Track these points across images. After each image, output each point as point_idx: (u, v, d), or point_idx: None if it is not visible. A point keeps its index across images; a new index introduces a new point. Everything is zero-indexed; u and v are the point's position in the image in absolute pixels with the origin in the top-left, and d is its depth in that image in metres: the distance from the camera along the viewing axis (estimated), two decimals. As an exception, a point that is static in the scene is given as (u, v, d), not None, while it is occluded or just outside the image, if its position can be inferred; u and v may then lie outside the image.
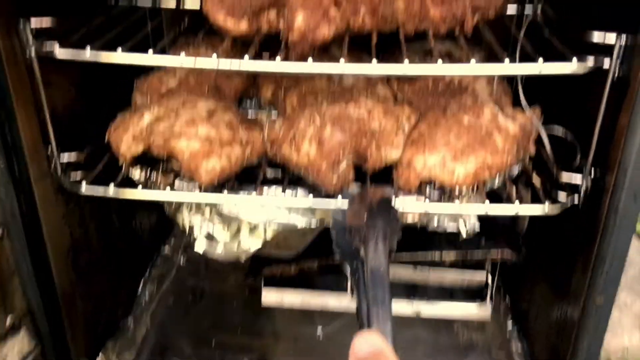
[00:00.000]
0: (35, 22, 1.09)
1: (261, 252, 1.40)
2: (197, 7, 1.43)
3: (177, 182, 1.27)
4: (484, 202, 1.24)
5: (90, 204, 1.38)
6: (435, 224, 1.46)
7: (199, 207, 1.39)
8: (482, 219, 1.37)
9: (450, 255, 1.43)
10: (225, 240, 1.38)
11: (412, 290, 1.58)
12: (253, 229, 1.35)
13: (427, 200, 1.22)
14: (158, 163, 1.28)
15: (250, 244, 1.37)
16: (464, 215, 1.37)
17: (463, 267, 1.49)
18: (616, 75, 1.07)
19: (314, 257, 1.45)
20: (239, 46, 1.25)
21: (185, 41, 1.51)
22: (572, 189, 1.20)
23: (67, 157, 1.23)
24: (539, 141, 1.28)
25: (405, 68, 1.08)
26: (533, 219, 1.46)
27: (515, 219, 1.53)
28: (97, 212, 1.45)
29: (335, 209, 1.20)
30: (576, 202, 1.19)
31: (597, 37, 1.07)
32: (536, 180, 1.26)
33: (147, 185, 1.28)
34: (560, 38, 1.18)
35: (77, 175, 1.25)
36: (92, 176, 1.26)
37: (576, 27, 1.13)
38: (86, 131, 1.31)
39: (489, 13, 1.24)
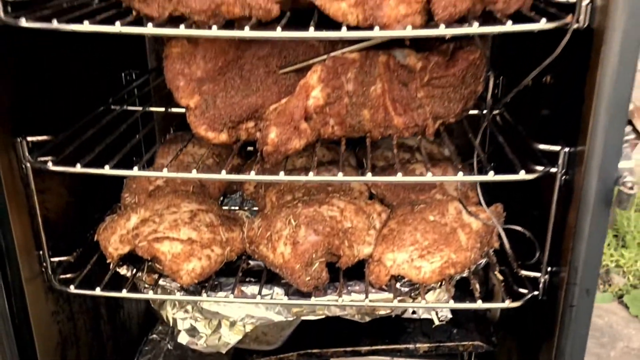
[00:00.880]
0: (31, 139, 1.19)
1: (242, 344, 1.45)
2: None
3: (161, 280, 1.34)
4: (451, 294, 1.31)
5: (79, 299, 1.45)
6: (410, 313, 1.53)
7: (181, 304, 1.46)
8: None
9: (424, 347, 1.48)
10: (206, 334, 1.45)
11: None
12: (233, 323, 1.42)
13: (396, 299, 1.28)
14: (143, 262, 1.35)
15: (231, 338, 1.43)
16: (435, 306, 1.44)
17: (437, 356, 1.54)
18: (563, 179, 1.17)
19: (293, 350, 1.50)
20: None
21: (175, 140, 1.63)
22: (531, 283, 1.27)
23: (57, 260, 1.30)
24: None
25: (369, 178, 1.18)
26: (503, 307, 1.53)
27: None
28: (86, 307, 1.51)
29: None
30: (536, 294, 1.27)
31: (544, 147, 1.17)
32: (499, 274, 1.34)
33: (132, 281, 1.35)
34: (512, 145, 1.28)
35: (67, 276, 1.32)
36: (82, 276, 1.33)
37: (527, 137, 1.24)
38: (76, 232, 1.40)
39: (448, 120, 1.36)
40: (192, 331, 1.46)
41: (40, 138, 1.20)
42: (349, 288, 1.34)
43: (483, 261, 1.39)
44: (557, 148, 1.15)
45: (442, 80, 1.29)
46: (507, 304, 1.24)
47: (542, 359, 1.31)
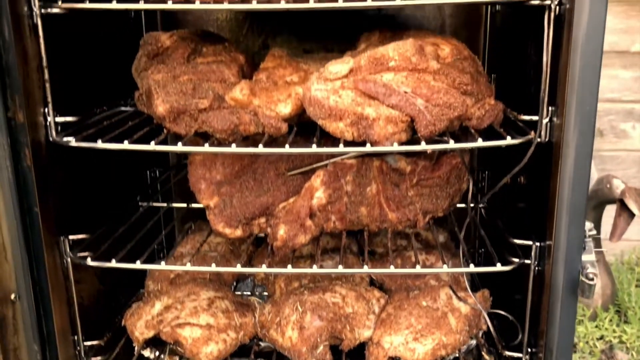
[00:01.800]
0: (72, 238, 1.37)
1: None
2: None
3: (181, 362, 1.49)
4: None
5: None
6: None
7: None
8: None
9: None
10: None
11: None
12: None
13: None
14: (166, 345, 1.50)
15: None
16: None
17: None
18: (536, 270, 1.33)
19: None
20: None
21: (195, 231, 1.82)
22: (516, 363, 1.41)
23: (90, 344, 1.46)
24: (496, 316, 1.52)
25: (365, 270, 1.35)
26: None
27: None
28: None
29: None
30: (521, 375, 1.40)
31: (519, 242, 1.34)
32: (486, 355, 1.47)
33: (156, 362, 1.50)
34: (493, 237, 1.46)
35: (97, 358, 1.47)
36: (111, 358, 1.48)
37: (504, 231, 1.41)
38: (106, 318, 1.56)
39: (437, 214, 1.53)
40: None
41: (79, 236, 1.39)
42: (351, 369, 1.48)
43: (473, 342, 1.53)
44: (529, 242, 1.32)
45: (430, 181, 1.48)
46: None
47: None
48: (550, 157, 1.24)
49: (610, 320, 3.12)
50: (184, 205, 1.74)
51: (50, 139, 1.30)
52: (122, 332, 1.55)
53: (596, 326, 2.55)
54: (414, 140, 1.30)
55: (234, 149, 1.27)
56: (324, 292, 1.51)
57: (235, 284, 1.84)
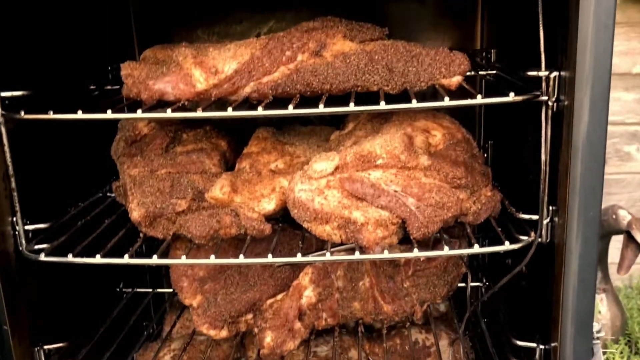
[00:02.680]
0: (48, 348, 1.29)
1: None
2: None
3: None
4: None
5: None
6: None
7: None
8: None
9: None
10: None
11: None
12: None
13: None
14: None
15: None
16: None
17: None
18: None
19: None
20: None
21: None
22: None
23: None
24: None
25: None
26: None
27: None
28: None
29: None
30: None
31: (522, 344, 1.26)
32: None
33: None
34: (493, 331, 1.37)
35: None
36: None
37: (505, 328, 1.32)
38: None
39: (435, 301, 1.45)
40: None
41: (56, 345, 1.31)
42: None
43: None
44: (533, 345, 1.23)
45: (426, 271, 1.40)
46: None
47: None
48: (553, 259, 1.16)
49: (621, 353, 3.02)
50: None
51: (20, 249, 1.22)
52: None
53: (607, 359, 2.46)
54: (406, 238, 1.22)
55: (213, 260, 1.19)
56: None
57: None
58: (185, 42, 1.32)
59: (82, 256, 1.19)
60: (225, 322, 1.38)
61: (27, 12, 1.28)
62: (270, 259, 1.18)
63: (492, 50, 1.67)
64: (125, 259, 1.17)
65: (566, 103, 1.07)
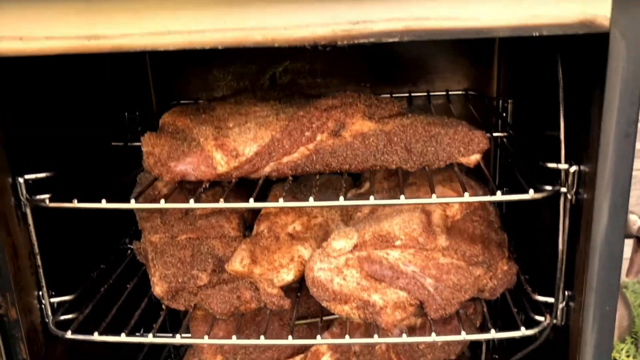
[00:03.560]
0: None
1: None
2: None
3: None
4: None
5: None
6: None
7: None
8: None
9: None
10: None
11: None
12: None
13: None
14: None
15: None
16: None
17: None
18: None
19: None
20: None
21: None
22: None
23: None
24: None
25: None
26: None
27: None
28: None
29: None
30: None
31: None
32: None
33: None
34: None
35: None
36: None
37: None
38: None
39: (450, 357, 1.48)
40: None
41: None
42: None
43: None
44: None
45: (441, 334, 1.42)
46: None
47: None
48: (567, 340, 1.18)
49: (627, 352, 3.07)
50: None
51: (47, 321, 1.26)
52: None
53: (613, 359, 2.51)
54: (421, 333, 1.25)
55: (234, 341, 1.22)
56: None
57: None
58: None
59: (107, 334, 1.23)
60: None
61: (37, 82, 1.30)
62: (290, 340, 1.21)
63: (509, 101, 1.66)
64: (150, 338, 1.21)
65: (585, 196, 1.08)
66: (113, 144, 1.55)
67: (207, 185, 1.25)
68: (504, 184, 1.76)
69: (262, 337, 1.20)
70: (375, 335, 1.20)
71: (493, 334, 1.19)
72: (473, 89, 1.84)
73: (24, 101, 1.22)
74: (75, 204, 1.16)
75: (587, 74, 1.06)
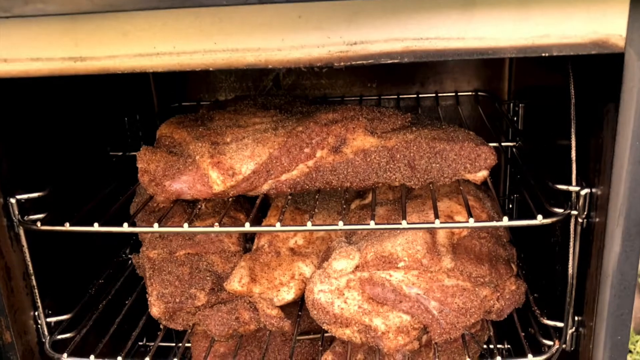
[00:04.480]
0: None
1: None
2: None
3: None
4: None
5: None
6: None
7: None
8: None
9: None
10: None
11: None
12: None
13: None
14: None
15: None
16: None
17: None
18: None
19: None
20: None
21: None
22: None
23: None
24: None
25: None
26: None
27: None
28: None
29: None
30: None
31: None
32: None
33: None
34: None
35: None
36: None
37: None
38: None
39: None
40: None
41: None
42: None
43: None
44: None
45: (447, 350, 1.38)
46: None
47: None
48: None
49: None
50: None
51: (43, 342, 1.24)
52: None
53: (629, 351, 2.47)
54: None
55: (233, 365, 1.19)
56: None
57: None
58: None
59: (104, 357, 1.20)
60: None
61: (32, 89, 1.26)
62: (290, 365, 1.17)
63: (521, 105, 1.60)
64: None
65: (597, 220, 1.03)
66: (111, 153, 1.51)
67: (203, 205, 1.21)
68: (514, 191, 1.71)
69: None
70: (377, 360, 1.16)
71: (499, 361, 1.14)
72: (483, 89, 1.77)
73: (16, 114, 1.19)
74: (68, 227, 1.12)
75: (600, 91, 1.00)
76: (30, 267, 1.20)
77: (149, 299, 1.26)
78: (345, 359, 1.34)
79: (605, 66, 0.95)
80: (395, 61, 0.91)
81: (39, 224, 1.13)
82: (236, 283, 1.25)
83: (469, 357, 1.23)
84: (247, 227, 1.10)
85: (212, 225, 1.40)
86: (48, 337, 1.24)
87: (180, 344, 1.29)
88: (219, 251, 1.36)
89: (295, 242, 1.39)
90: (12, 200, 1.15)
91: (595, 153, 1.02)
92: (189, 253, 1.35)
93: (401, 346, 1.16)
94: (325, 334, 1.35)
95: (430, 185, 1.19)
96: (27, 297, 1.22)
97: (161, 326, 1.30)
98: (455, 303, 1.15)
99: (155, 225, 1.12)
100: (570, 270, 1.09)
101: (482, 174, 1.18)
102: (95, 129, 1.49)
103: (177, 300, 1.25)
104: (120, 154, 1.51)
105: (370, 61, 0.92)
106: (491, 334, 1.22)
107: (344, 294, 1.18)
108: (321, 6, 0.89)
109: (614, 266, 0.99)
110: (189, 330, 1.29)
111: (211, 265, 1.33)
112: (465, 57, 0.90)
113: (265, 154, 1.18)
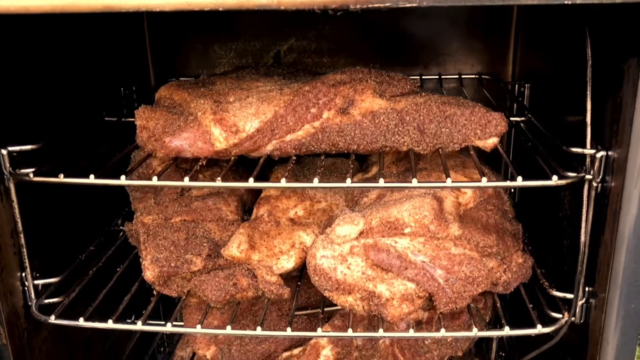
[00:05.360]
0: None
1: None
2: None
3: None
4: None
5: None
6: None
7: None
8: None
9: None
10: None
11: None
12: None
13: None
14: None
15: None
16: None
17: None
18: None
19: None
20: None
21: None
22: None
23: None
24: None
25: None
26: None
27: None
28: None
29: None
30: None
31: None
32: None
33: None
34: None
35: None
36: None
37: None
38: None
39: (457, 354, 1.40)
40: None
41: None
42: None
43: None
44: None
45: (449, 329, 1.34)
46: None
47: None
48: (586, 339, 1.10)
49: None
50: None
51: (30, 305, 1.18)
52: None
53: None
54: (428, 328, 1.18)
55: (229, 331, 1.15)
56: None
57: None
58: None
59: (93, 320, 1.15)
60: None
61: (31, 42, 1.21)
62: (289, 332, 1.12)
63: (526, 85, 1.57)
64: (139, 326, 1.13)
65: (613, 184, 1.00)
66: (106, 119, 1.46)
67: (204, 163, 1.17)
68: (520, 172, 1.68)
69: (259, 328, 1.12)
70: (381, 330, 1.12)
71: (507, 331, 1.11)
72: (487, 72, 1.75)
73: (10, 66, 1.14)
74: (62, 179, 1.07)
75: (619, 49, 0.97)
76: (20, 225, 1.14)
77: (143, 263, 1.21)
78: (344, 331, 1.29)
79: (625, 20, 0.92)
80: (414, 4, 0.87)
81: (31, 175, 1.08)
82: (234, 249, 1.21)
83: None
84: (251, 183, 1.06)
85: (209, 195, 1.37)
86: (35, 300, 1.18)
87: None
88: (216, 219, 1.31)
89: (296, 213, 1.34)
90: (4, 152, 1.09)
91: (612, 115, 0.99)
92: (184, 220, 1.30)
93: (405, 314, 1.12)
94: (325, 308, 1.30)
95: (440, 150, 1.15)
96: (15, 257, 1.16)
97: (154, 292, 1.24)
98: (462, 272, 1.12)
99: (154, 178, 1.08)
100: (582, 238, 1.05)
101: (493, 140, 1.15)
102: (91, 93, 1.43)
103: (172, 264, 1.20)
104: (115, 119, 1.46)
105: (387, 4, 0.88)
106: (498, 305, 1.18)
107: (347, 260, 1.13)
108: (339, -57, 0.85)
109: (630, 230, 0.96)
110: (183, 297, 1.23)
111: (208, 232, 1.28)
112: (487, 2, 0.87)
113: (271, 112, 1.13)
